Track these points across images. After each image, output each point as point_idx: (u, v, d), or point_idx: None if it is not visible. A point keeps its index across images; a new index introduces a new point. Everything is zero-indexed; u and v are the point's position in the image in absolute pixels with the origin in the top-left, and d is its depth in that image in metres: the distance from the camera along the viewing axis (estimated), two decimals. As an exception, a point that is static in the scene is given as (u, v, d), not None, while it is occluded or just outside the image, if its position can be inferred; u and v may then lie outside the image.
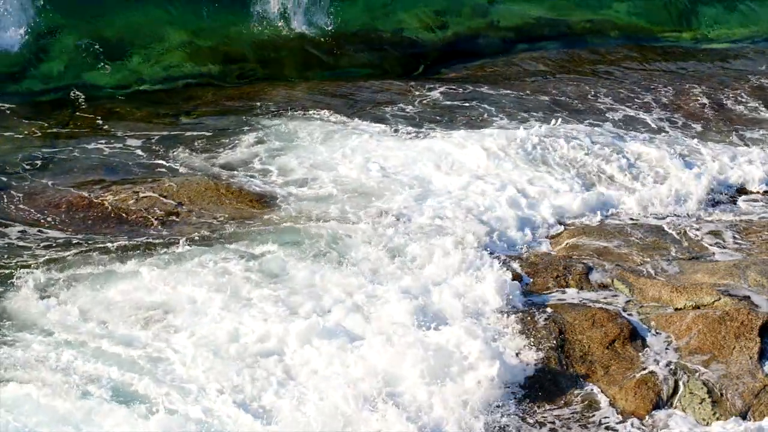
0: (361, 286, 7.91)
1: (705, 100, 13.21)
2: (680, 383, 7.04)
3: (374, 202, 9.32)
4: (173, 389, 6.76)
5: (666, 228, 9.15)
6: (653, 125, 12.20)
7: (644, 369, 7.18)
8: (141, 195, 9.36)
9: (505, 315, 7.69)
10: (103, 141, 10.89)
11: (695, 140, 11.41)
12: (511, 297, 7.88)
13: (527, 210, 9.41)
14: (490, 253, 8.56)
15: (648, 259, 8.47)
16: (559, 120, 11.54)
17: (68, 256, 8.29)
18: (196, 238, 8.61)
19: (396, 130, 11.37)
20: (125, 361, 6.99)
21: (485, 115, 12.17)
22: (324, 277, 8.00)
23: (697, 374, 7.11)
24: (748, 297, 7.73)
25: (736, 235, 9.10)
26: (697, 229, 9.16)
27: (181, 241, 8.47)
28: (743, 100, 13.28)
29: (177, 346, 7.19)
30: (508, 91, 13.33)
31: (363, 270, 8.15)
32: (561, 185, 9.85)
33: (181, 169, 10.11)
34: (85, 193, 9.43)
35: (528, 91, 13.30)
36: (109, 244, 8.47)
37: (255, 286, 7.87)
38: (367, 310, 7.63)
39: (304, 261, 8.22)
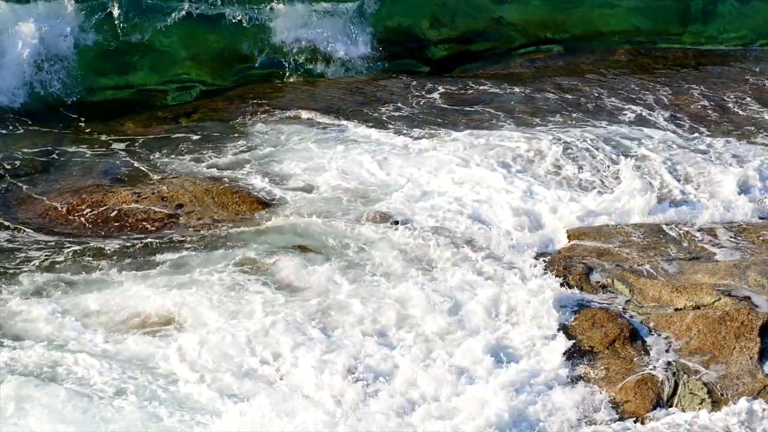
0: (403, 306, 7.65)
1: (719, 103, 13.20)
2: (680, 383, 7.02)
3: (379, 206, 9.25)
4: (183, 410, 6.57)
5: (666, 228, 9.13)
6: (666, 126, 12.17)
7: (644, 369, 7.15)
8: (140, 197, 9.36)
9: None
10: (102, 143, 10.94)
11: (713, 143, 11.38)
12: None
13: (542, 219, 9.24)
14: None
15: (648, 259, 8.46)
16: (573, 125, 11.51)
17: (64, 260, 8.24)
18: (199, 242, 8.58)
19: (399, 133, 11.34)
20: (129, 375, 6.83)
21: (492, 120, 12.15)
22: (352, 293, 7.77)
23: (697, 374, 7.10)
24: (749, 297, 7.70)
25: (736, 236, 9.09)
26: (697, 230, 9.15)
27: (182, 246, 8.44)
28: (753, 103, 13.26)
29: (185, 370, 6.94)
30: (515, 91, 13.33)
31: (390, 281, 7.96)
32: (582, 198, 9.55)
33: (180, 172, 10.09)
34: (85, 196, 9.44)
35: (534, 92, 13.29)
36: (108, 249, 8.45)
37: (273, 297, 7.66)
38: (408, 340, 7.31)
39: (320, 270, 8.05)
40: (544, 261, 8.40)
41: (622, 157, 10.40)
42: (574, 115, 12.40)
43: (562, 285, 7.99)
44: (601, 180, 10.09)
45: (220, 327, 7.29)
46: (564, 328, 7.51)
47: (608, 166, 10.33)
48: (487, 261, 8.30)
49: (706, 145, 11.24)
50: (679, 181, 10.08)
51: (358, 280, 7.99)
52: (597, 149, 10.65)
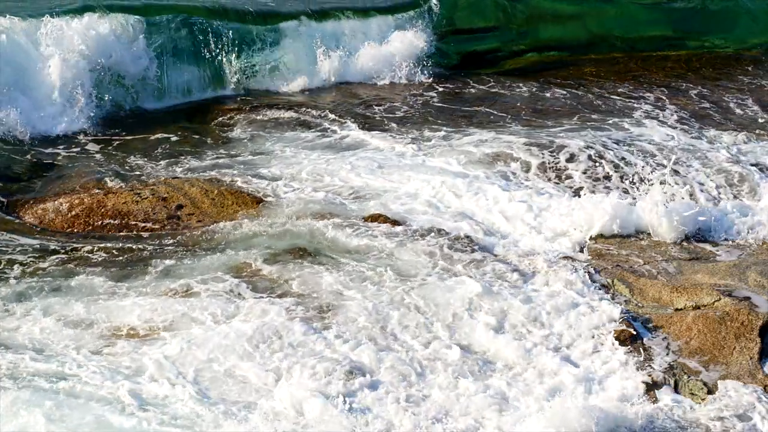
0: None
1: (732, 105, 13.21)
2: (680, 383, 7.01)
3: (383, 210, 9.18)
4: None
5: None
6: (680, 127, 12.17)
7: (644, 369, 7.14)
8: (141, 198, 9.34)
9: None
10: (103, 145, 10.94)
11: (734, 146, 11.35)
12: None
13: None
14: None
15: (648, 259, 8.46)
16: (588, 126, 11.47)
17: (51, 266, 8.11)
18: (200, 244, 8.54)
19: (399, 136, 11.33)
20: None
21: (499, 121, 12.14)
22: (368, 299, 7.53)
23: (697, 374, 7.08)
24: (749, 297, 7.70)
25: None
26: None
27: (182, 248, 8.39)
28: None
29: (177, 380, 6.63)
30: (521, 91, 13.33)
31: (408, 288, 7.71)
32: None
33: (181, 173, 10.10)
34: (85, 198, 9.41)
35: (541, 92, 13.30)
36: (109, 252, 8.40)
37: (289, 313, 7.36)
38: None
39: (326, 275, 7.86)
40: (577, 267, 8.27)
41: (643, 162, 10.35)
42: (593, 116, 12.41)
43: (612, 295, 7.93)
44: (622, 182, 10.09)
45: (222, 341, 6.99)
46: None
47: (633, 171, 10.29)
48: (503, 267, 8.20)
49: (726, 148, 11.23)
50: (711, 190, 10.02)
51: (371, 285, 7.83)
52: (615, 152, 10.62)
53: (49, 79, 11.64)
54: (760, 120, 12.67)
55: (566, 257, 8.51)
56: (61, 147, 10.83)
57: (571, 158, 10.52)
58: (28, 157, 10.45)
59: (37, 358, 6.77)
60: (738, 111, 13.09)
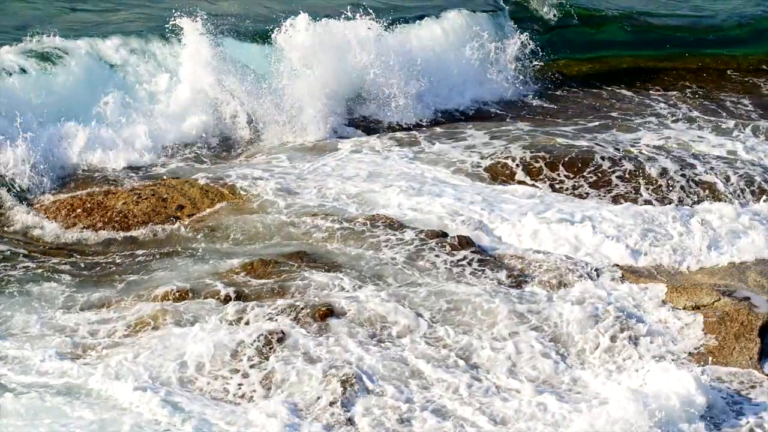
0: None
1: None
2: (679, 382, 6.98)
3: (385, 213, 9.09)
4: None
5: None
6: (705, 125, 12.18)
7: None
8: (141, 198, 9.32)
9: None
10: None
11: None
12: None
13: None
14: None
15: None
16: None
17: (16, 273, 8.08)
18: (194, 247, 8.52)
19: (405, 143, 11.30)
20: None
21: (504, 122, 12.15)
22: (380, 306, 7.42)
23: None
24: (748, 297, 7.71)
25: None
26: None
27: (176, 252, 8.37)
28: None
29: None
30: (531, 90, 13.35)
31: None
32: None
33: (179, 175, 10.06)
34: (85, 198, 9.41)
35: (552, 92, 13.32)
36: (100, 255, 8.43)
37: (286, 319, 7.26)
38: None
39: (336, 279, 7.76)
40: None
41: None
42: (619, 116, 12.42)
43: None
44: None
45: (215, 346, 6.83)
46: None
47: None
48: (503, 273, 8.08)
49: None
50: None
51: (372, 289, 7.70)
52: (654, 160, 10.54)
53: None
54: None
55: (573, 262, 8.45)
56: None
57: (580, 160, 10.49)
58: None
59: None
60: (740, 112, 13.11)
